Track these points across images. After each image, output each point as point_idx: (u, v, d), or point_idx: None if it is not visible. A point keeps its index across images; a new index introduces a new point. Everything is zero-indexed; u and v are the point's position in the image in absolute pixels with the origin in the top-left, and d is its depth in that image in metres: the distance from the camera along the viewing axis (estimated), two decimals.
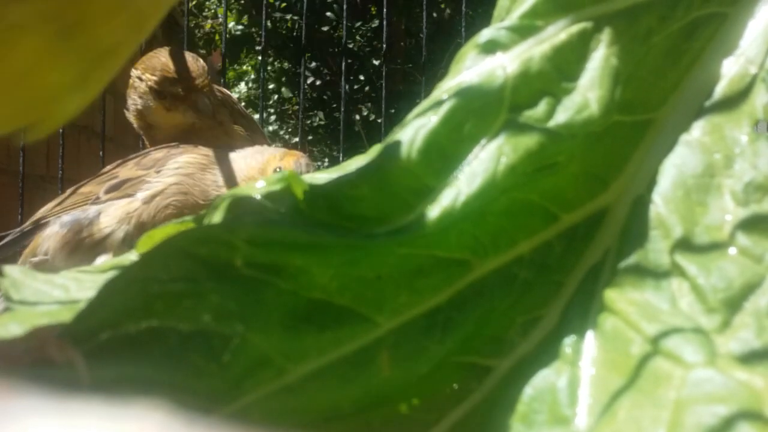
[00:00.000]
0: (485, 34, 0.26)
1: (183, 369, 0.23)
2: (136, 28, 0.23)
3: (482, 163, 0.25)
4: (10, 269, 0.30)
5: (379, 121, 2.20)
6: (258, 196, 0.25)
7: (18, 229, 0.79)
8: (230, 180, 0.75)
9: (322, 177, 0.26)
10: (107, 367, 0.22)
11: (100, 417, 0.10)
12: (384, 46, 1.35)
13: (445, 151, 0.26)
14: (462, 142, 0.26)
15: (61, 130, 1.30)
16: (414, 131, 0.26)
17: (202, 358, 0.23)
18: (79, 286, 0.29)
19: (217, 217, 0.26)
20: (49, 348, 0.21)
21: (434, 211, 0.25)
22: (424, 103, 0.26)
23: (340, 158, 2.27)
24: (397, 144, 0.26)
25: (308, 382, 0.24)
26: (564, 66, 0.26)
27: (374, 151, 0.26)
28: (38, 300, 0.28)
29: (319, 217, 0.25)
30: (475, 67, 0.26)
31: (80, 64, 0.23)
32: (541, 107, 0.26)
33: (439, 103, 0.26)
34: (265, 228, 0.24)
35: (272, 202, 0.25)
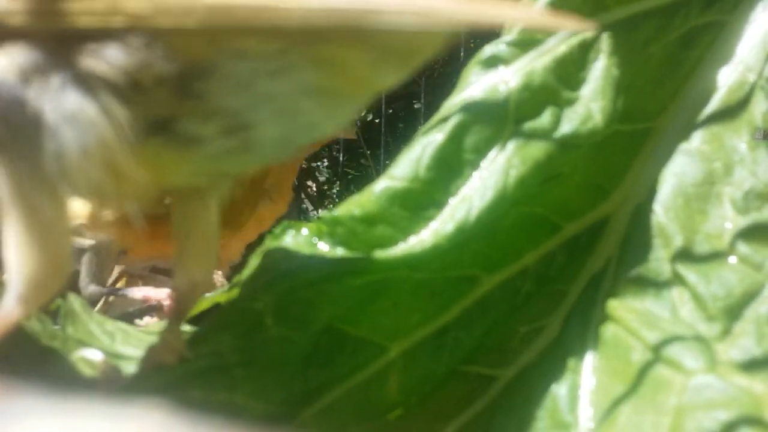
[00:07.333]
0: (487, 50, 0.26)
1: None
2: None
3: (492, 176, 0.25)
4: (72, 298, 0.31)
5: (377, 121, 2.19)
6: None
7: None
8: None
9: (339, 210, 0.26)
10: None
11: (100, 417, 0.10)
12: None
13: (453, 166, 0.26)
14: (469, 157, 0.26)
15: None
16: (421, 149, 0.26)
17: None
18: (125, 340, 0.30)
19: (244, 278, 0.26)
20: None
21: (448, 225, 0.25)
22: (431, 121, 0.26)
23: (340, 158, 2.26)
24: (405, 163, 0.26)
25: (317, 418, 0.24)
26: (566, 77, 0.26)
27: (385, 175, 0.26)
28: (84, 340, 0.29)
29: (339, 249, 0.25)
30: (478, 82, 0.26)
31: None
32: (546, 119, 0.26)
33: (444, 120, 0.26)
34: (290, 282, 0.24)
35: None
